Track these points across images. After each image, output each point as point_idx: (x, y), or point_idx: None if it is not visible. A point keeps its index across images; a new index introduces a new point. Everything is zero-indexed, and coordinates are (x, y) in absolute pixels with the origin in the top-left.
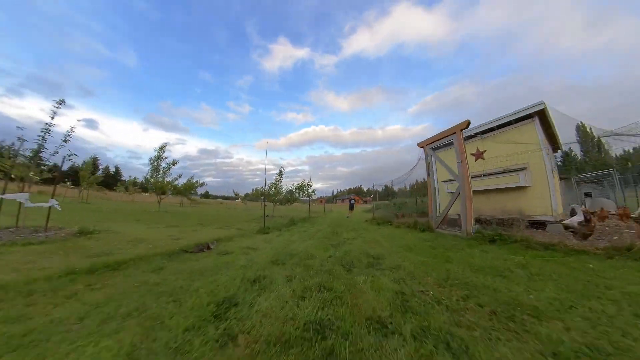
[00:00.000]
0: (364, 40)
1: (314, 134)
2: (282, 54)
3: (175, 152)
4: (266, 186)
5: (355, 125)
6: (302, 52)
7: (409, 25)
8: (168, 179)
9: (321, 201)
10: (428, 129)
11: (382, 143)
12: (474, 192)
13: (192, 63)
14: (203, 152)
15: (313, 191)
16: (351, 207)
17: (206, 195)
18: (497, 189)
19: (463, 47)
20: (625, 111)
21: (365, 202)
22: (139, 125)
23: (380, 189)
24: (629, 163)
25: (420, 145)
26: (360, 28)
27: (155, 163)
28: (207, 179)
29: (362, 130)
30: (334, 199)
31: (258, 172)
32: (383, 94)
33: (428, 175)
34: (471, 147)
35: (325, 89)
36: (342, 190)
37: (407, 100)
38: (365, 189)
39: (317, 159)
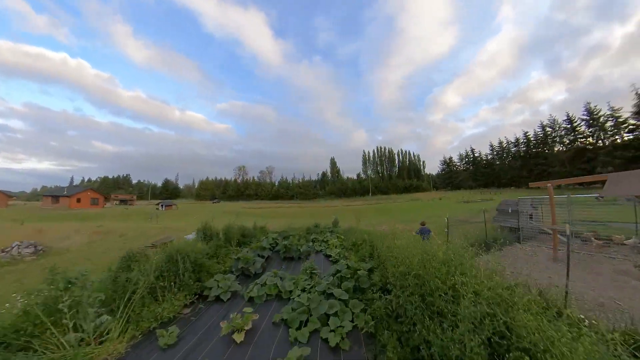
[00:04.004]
0: (208, 6)
1: (62, 67)
2: None
3: None
4: None
5: (145, 89)
6: None
7: (255, 35)
8: None
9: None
10: (229, 130)
11: (177, 127)
12: None
13: None
14: None
15: None
16: None
17: None
18: None
19: (279, 81)
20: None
21: (125, 201)
22: None
23: (158, 184)
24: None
25: None
26: None
27: None
28: None
29: (154, 101)
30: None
31: None
32: (198, 73)
33: None
34: None
35: (121, 14)
36: (94, 179)
37: (220, 94)
38: (134, 182)
39: (51, 115)
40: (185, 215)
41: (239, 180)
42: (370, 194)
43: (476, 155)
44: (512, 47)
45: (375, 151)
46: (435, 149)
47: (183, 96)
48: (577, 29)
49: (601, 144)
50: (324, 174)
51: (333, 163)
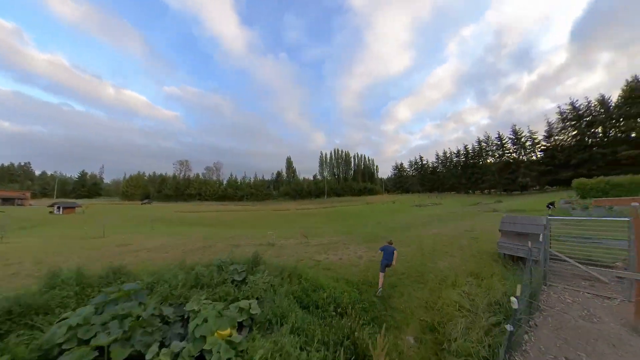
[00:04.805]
0: None
1: None
2: None
3: None
4: None
5: (70, 54)
6: None
7: (219, 16)
8: None
9: None
10: (177, 118)
11: (109, 108)
12: None
13: None
14: None
15: None
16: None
17: None
18: None
19: (240, 72)
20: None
21: (12, 200)
22: None
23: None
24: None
25: None
26: None
27: None
28: None
29: (81, 72)
30: None
31: None
32: (143, 47)
33: None
34: None
35: None
36: None
37: (169, 76)
38: (38, 173)
39: None
40: (83, 223)
41: (180, 177)
42: (325, 196)
43: (424, 162)
44: (454, 77)
45: (333, 153)
46: (386, 156)
47: (122, 71)
48: (500, 71)
49: (522, 159)
50: (279, 174)
51: (289, 163)
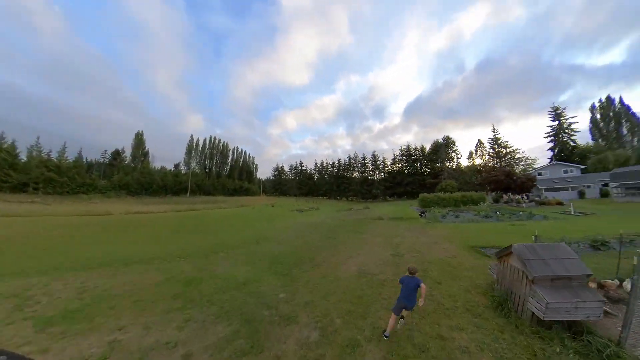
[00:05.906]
0: None
1: None
2: None
3: None
4: None
5: None
6: None
7: None
8: None
9: None
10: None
11: None
12: None
13: None
14: None
15: None
16: None
17: None
18: None
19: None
20: None
21: None
22: None
23: None
24: None
25: None
26: None
27: None
28: None
29: None
30: None
31: None
32: None
33: None
34: None
35: None
36: None
37: None
38: None
39: None
40: None
41: None
42: (188, 194)
43: (303, 168)
44: (336, 107)
45: (207, 141)
46: (267, 157)
47: None
48: (365, 115)
49: (376, 177)
50: (117, 154)
51: (139, 140)
